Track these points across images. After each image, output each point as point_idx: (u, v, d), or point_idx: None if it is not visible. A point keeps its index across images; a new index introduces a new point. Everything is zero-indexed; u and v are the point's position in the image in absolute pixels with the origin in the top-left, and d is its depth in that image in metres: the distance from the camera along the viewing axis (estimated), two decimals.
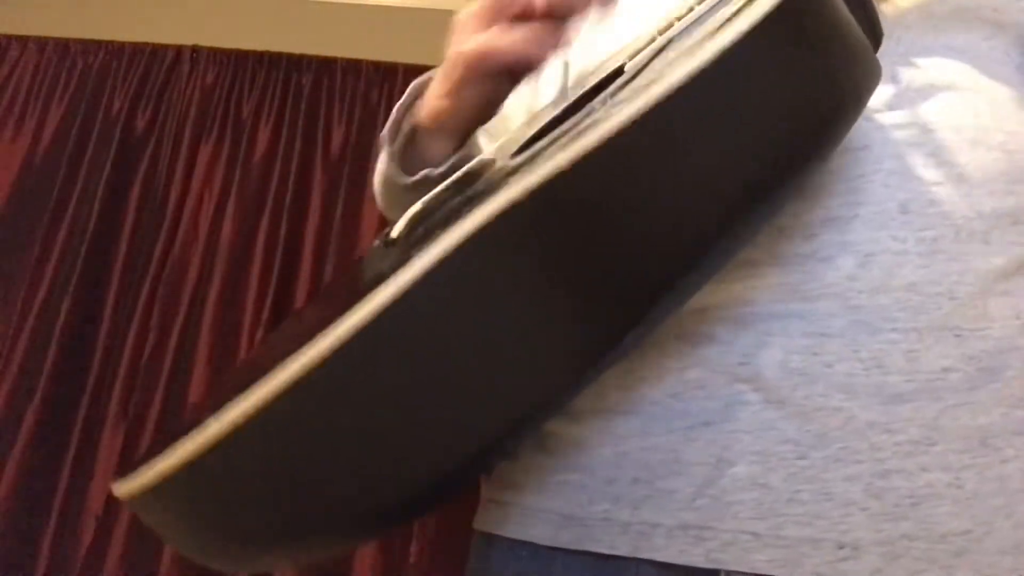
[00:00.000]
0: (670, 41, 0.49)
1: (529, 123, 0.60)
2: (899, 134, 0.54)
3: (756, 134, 0.42)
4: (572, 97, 0.58)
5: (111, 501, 2.30)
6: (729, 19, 0.41)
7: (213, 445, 0.39)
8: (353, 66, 2.60)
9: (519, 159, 0.48)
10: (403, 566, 2.24)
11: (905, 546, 0.50)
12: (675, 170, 0.41)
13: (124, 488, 0.42)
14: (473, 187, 0.53)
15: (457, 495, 0.46)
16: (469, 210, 0.43)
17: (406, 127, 0.67)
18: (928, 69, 0.56)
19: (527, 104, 0.63)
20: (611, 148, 0.40)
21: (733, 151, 0.41)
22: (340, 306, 0.41)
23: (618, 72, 0.53)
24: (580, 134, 0.42)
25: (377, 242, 0.57)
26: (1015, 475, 0.51)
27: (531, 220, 0.41)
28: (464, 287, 0.41)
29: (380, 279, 0.41)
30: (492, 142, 0.61)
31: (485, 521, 0.61)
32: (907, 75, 0.56)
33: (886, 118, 0.54)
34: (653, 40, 0.51)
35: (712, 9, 0.48)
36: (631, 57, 0.53)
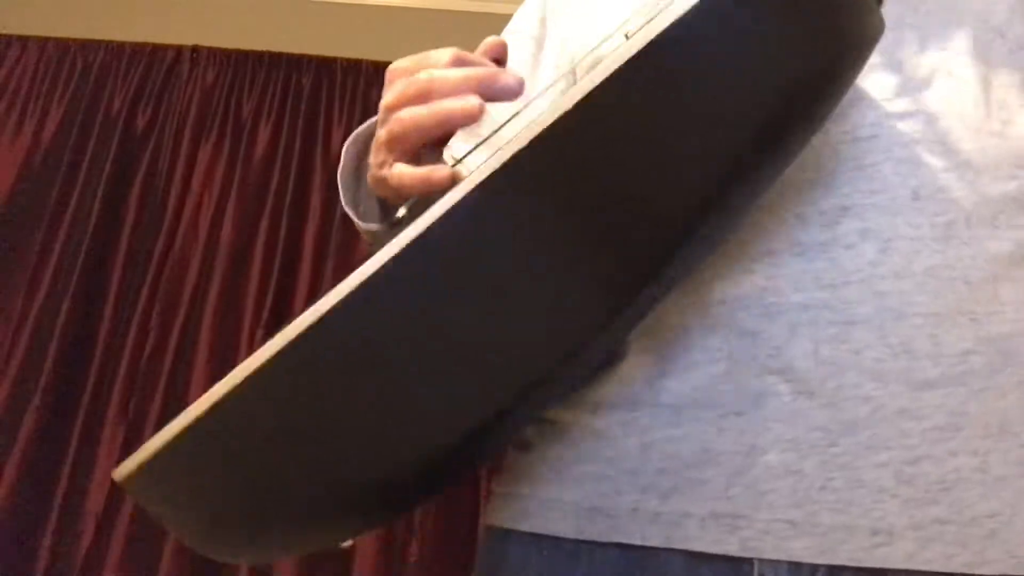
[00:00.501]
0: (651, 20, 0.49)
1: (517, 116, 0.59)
2: (905, 123, 0.54)
3: (757, 74, 0.41)
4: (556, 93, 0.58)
5: (111, 501, 2.29)
6: None
7: (199, 420, 0.38)
8: (353, 66, 2.59)
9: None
10: (403, 566, 2.24)
11: (937, 530, 0.50)
12: (680, 106, 0.40)
13: (120, 471, 0.41)
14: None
15: (461, 476, 0.45)
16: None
17: (368, 200, 0.64)
18: (933, 56, 0.56)
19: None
20: (612, 87, 0.39)
21: (738, 88, 0.40)
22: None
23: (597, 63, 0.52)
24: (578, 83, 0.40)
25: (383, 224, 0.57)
26: None
27: (540, 165, 0.40)
28: (477, 233, 0.40)
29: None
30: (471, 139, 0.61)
31: (499, 515, 0.60)
32: (911, 62, 0.56)
33: (892, 106, 0.55)
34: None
35: None
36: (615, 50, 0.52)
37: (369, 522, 0.46)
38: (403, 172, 0.53)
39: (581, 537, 0.54)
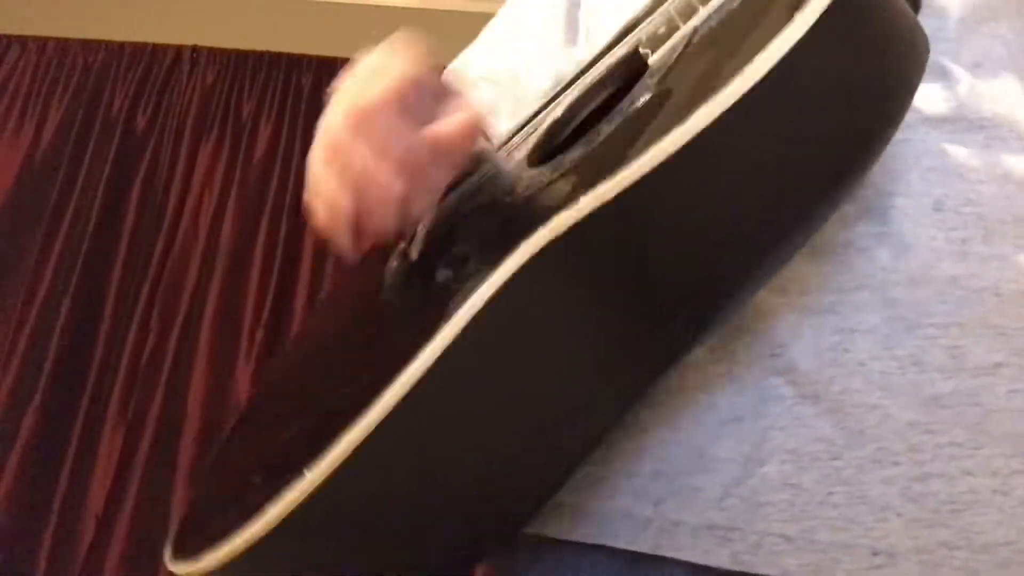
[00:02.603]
0: (695, 32, 0.46)
1: (542, 110, 0.58)
2: (942, 129, 0.52)
3: (811, 150, 0.40)
4: (585, 84, 0.55)
5: (111, 501, 2.29)
6: (769, 16, 0.38)
7: (317, 490, 0.39)
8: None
9: (545, 174, 0.46)
10: None
11: (944, 555, 0.47)
12: (727, 196, 0.39)
13: (189, 569, 0.42)
14: (491, 193, 0.51)
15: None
16: (499, 236, 0.42)
17: None
18: (980, 63, 0.54)
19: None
20: (657, 177, 0.38)
21: (783, 172, 0.39)
22: (380, 362, 0.41)
23: (635, 59, 0.50)
24: (617, 158, 0.39)
25: (394, 261, 0.56)
26: None
27: (573, 252, 0.40)
28: (513, 331, 0.40)
29: (416, 334, 0.40)
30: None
31: None
32: (955, 69, 0.53)
33: (930, 110, 0.52)
34: (672, 24, 0.48)
35: None
36: (650, 42, 0.49)
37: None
38: (346, 247, 0.51)
39: (573, 539, 0.53)
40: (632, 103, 0.45)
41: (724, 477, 0.49)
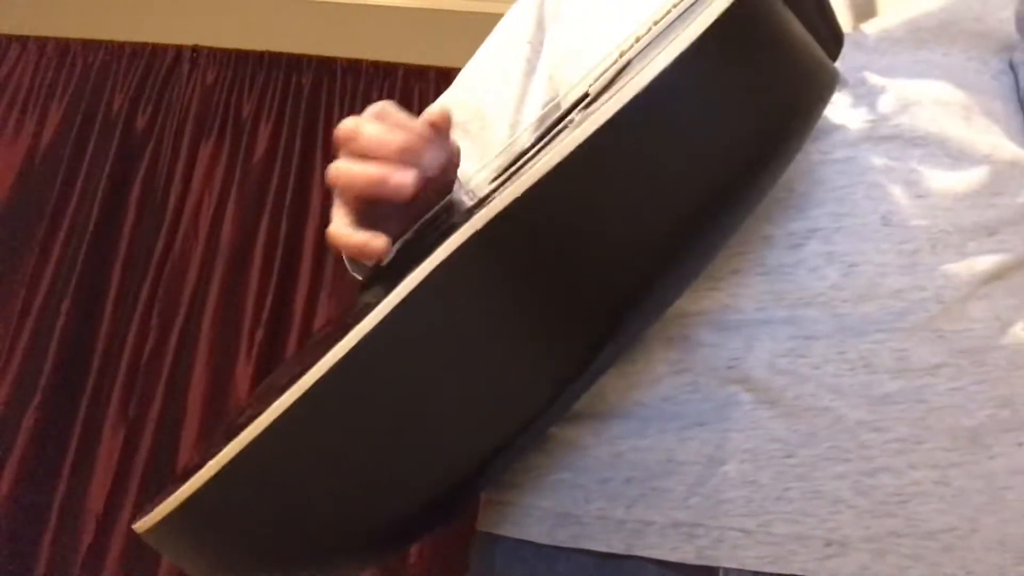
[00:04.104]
0: (628, 63, 0.50)
1: (507, 150, 0.62)
2: (883, 147, 0.55)
3: (697, 158, 0.42)
4: (547, 122, 0.60)
5: (111, 501, 2.29)
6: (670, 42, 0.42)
7: (209, 481, 0.42)
8: (353, 66, 2.59)
9: (490, 188, 0.50)
10: (403, 566, 2.24)
11: (892, 543, 0.51)
12: (620, 194, 0.42)
13: (140, 525, 0.45)
14: (451, 217, 0.55)
15: (448, 520, 0.48)
16: (441, 241, 0.45)
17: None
18: (914, 83, 0.57)
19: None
20: (555, 177, 0.41)
21: (675, 176, 0.42)
22: (328, 344, 0.44)
23: (583, 97, 0.55)
24: (532, 163, 0.43)
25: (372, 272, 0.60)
26: (1000, 472, 0.52)
27: (490, 248, 0.43)
28: (434, 319, 0.43)
29: (360, 315, 0.44)
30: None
31: (487, 521, 0.61)
32: (891, 89, 0.56)
33: (872, 130, 0.55)
34: (615, 61, 0.53)
35: (668, 29, 0.49)
36: (596, 79, 0.54)
37: (374, 559, 0.49)
38: (339, 235, 0.55)
39: (553, 543, 0.56)
40: (562, 128, 0.50)
41: (689, 478, 0.53)
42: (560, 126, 0.51)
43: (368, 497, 0.44)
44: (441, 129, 0.58)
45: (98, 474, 2.32)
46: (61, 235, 2.48)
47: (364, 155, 0.54)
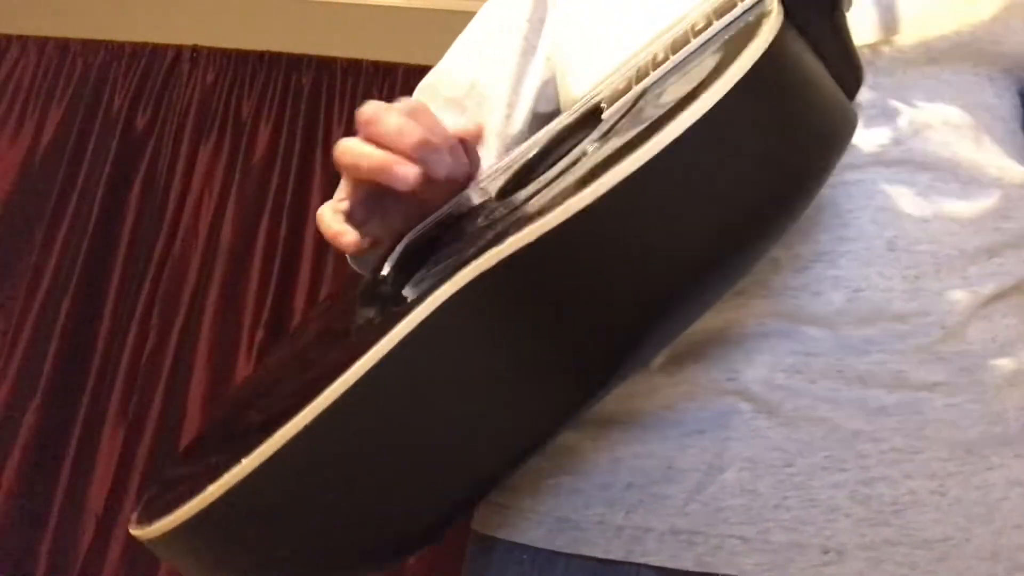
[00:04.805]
0: (645, 92, 0.51)
1: (519, 156, 0.62)
2: (891, 170, 0.54)
3: (712, 214, 0.42)
4: (556, 128, 0.60)
5: (111, 501, 2.30)
6: (693, 92, 0.42)
7: (218, 498, 0.43)
8: (353, 66, 2.59)
9: (499, 211, 0.51)
10: (403, 566, 2.24)
11: (888, 551, 0.51)
12: (637, 245, 0.42)
13: (142, 533, 0.46)
14: (458, 222, 0.56)
15: (445, 533, 0.49)
16: (454, 256, 0.45)
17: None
18: (925, 106, 0.56)
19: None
20: (569, 228, 0.41)
21: (692, 227, 0.42)
22: (331, 364, 0.45)
23: (596, 112, 0.55)
24: (543, 205, 0.43)
25: (369, 276, 0.60)
26: (998, 483, 0.53)
27: (497, 289, 0.43)
28: (439, 352, 0.44)
29: (360, 345, 0.44)
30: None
31: (483, 523, 0.61)
32: (903, 112, 0.56)
33: (882, 154, 0.55)
34: (629, 83, 0.53)
35: (688, 60, 0.49)
36: (609, 99, 0.54)
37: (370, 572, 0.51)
38: (321, 217, 0.58)
39: (551, 547, 0.56)
40: (577, 153, 0.50)
41: (688, 485, 0.53)
42: (571, 156, 0.51)
43: (362, 527, 0.46)
44: (469, 143, 0.58)
45: (98, 474, 2.32)
46: (61, 235, 2.48)
47: (379, 142, 0.53)
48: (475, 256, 0.44)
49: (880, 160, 0.54)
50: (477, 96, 0.74)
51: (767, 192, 0.43)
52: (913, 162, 0.55)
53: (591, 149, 0.49)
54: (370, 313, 0.54)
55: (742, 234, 0.43)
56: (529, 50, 0.73)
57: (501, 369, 0.44)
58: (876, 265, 0.53)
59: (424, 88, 0.79)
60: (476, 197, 0.60)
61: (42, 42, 2.64)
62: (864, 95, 0.55)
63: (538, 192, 0.49)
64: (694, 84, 0.42)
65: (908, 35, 0.57)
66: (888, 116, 0.56)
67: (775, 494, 0.52)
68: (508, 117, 0.72)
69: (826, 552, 0.51)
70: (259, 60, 2.62)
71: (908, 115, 0.56)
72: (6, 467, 2.30)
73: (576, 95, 0.65)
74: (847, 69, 0.49)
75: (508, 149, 0.70)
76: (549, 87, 0.72)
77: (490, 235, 0.45)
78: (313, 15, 2.67)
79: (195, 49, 2.63)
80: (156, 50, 2.62)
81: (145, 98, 2.60)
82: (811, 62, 0.46)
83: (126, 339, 2.41)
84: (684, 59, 0.49)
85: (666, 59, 0.50)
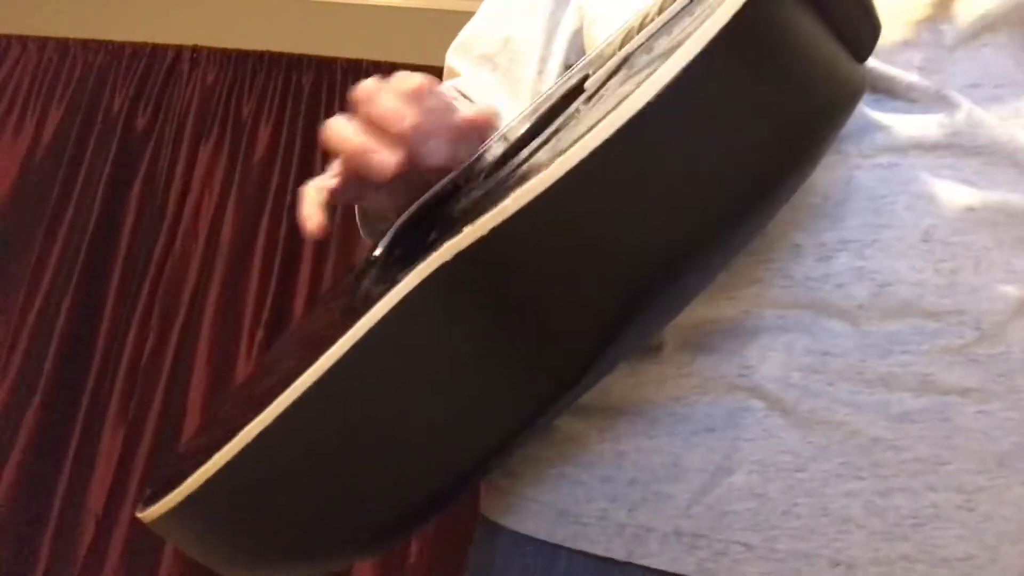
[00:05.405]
0: (626, 59, 0.48)
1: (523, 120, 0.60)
2: (934, 155, 0.50)
3: (689, 191, 0.39)
4: (547, 102, 0.57)
5: (111, 501, 2.30)
6: (668, 51, 0.39)
7: (216, 472, 0.44)
8: (353, 66, 2.59)
9: (475, 193, 0.49)
10: (403, 566, 2.24)
11: (903, 568, 0.48)
12: (602, 230, 0.39)
13: (146, 514, 0.47)
14: (442, 203, 0.55)
15: (436, 514, 0.49)
16: (432, 240, 0.44)
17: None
18: (977, 81, 0.52)
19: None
20: (534, 209, 0.39)
21: (664, 210, 0.39)
22: (319, 345, 0.45)
23: (578, 89, 0.52)
24: (513, 183, 0.41)
25: (365, 257, 0.59)
26: None
27: (459, 277, 0.42)
28: (407, 339, 0.43)
29: (344, 323, 0.44)
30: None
31: (488, 506, 0.60)
32: (953, 93, 0.51)
33: (921, 138, 0.50)
34: (612, 47, 0.50)
35: (668, 24, 0.46)
36: (597, 63, 0.51)
37: (372, 551, 0.51)
38: (302, 192, 0.55)
39: (553, 540, 0.54)
40: (553, 129, 0.47)
41: (693, 485, 0.50)
42: (560, 119, 0.49)
43: (358, 501, 0.46)
44: (481, 130, 0.54)
45: (98, 474, 2.32)
46: (61, 235, 2.48)
47: (372, 123, 0.50)
48: (443, 242, 0.42)
49: (923, 143, 0.50)
50: (510, 52, 0.71)
51: (743, 167, 0.39)
52: (961, 146, 0.50)
53: (565, 122, 0.47)
54: (346, 301, 0.54)
55: (716, 222, 0.40)
56: (562, 1, 0.70)
57: (471, 358, 0.43)
58: (908, 257, 0.48)
59: (457, 47, 0.76)
60: (499, 147, 0.56)
61: (42, 42, 2.64)
62: (910, 75, 0.51)
63: (514, 170, 0.46)
64: (668, 48, 0.39)
65: (965, 9, 0.52)
66: (936, 100, 0.51)
67: (784, 500, 0.49)
68: (541, 72, 0.69)
69: (835, 565, 0.48)
70: (259, 60, 2.62)
71: (959, 98, 0.51)
72: (6, 467, 2.30)
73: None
74: (861, 23, 0.44)
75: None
76: (579, 37, 0.68)
77: (465, 219, 0.44)
78: (313, 15, 2.67)
79: (195, 49, 2.62)
80: (156, 50, 2.62)
81: (145, 98, 2.59)
82: (804, 20, 0.41)
83: (126, 339, 2.41)
84: (669, 20, 0.46)
85: (651, 20, 0.47)
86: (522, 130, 0.57)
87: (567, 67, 0.69)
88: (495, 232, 0.39)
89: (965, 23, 0.52)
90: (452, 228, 0.43)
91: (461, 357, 0.43)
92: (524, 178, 0.40)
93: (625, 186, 0.38)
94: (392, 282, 0.44)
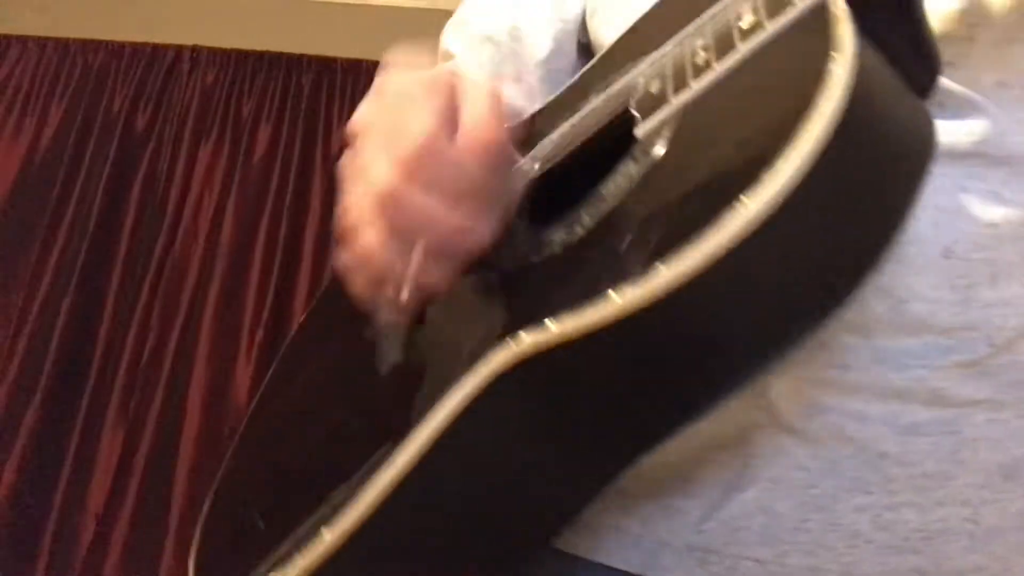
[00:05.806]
0: (684, 113, 0.43)
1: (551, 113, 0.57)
2: (962, 164, 0.48)
3: (802, 288, 0.38)
4: (583, 122, 0.53)
5: (111, 501, 2.29)
6: (762, 137, 0.36)
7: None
8: (353, 66, 2.59)
9: (534, 251, 0.47)
10: None
11: None
12: (700, 339, 0.38)
13: None
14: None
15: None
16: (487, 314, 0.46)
17: None
18: (1004, 80, 0.50)
19: None
20: (623, 325, 0.37)
21: (766, 321, 0.38)
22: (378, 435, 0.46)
23: (624, 121, 0.47)
24: (591, 279, 0.40)
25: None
26: None
27: (528, 377, 0.42)
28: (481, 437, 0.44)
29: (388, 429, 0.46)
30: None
31: None
32: (979, 97, 0.49)
33: (952, 146, 0.48)
34: (662, 89, 0.45)
35: (737, 72, 0.42)
36: (640, 104, 0.46)
37: None
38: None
39: (573, 551, 0.54)
40: (616, 192, 0.44)
41: (705, 501, 0.50)
42: (608, 192, 0.45)
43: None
44: (498, 158, 0.48)
45: (98, 474, 2.32)
46: (61, 235, 2.48)
47: (401, 225, 0.45)
48: (519, 326, 0.41)
49: (951, 152, 0.47)
50: (513, 31, 0.68)
51: (857, 257, 0.38)
52: (987, 155, 0.49)
53: (630, 188, 0.44)
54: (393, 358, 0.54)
55: (815, 324, 0.38)
56: None
57: (549, 447, 0.44)
58: (926, 275, 0.47)
59: (455, 24, 0.73)
60: (531, 165, 0.53)
61: (42, 42, 2.63)
62: (940, 77, 0.48)
63: (575, 244, 0.44)
64: (753, 130, 0.37)
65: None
66: (962, 105, 0.49)
67: (795, 516, 0.49)
68: (553, 51, 0.66)
69: None
70: (259, 60, 2.61)
71: (985, 102, 0.49)
72: (6, 467, 2.30)
73: (604, 39, 0.59)
74: (918, 60, 0.41)
75: (555, 83, 0.62)
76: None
77: (531, 296, 0.44)
78: (313, 15, 2.67)
79: (195, 49, 2.62)
80: (156, 50, 2.62)
81: (145, 98, 2.59)
82: (887, 74, 0.39)
83: (126, 339, 2.41)
84: (731, 70, 0.41)
85: (707, 65, 0.42)
86: (554, 147, 0.53)
87: (580, 44, 0.66)
88: (588, 333, 0.38)
89: (997, 18, 0.50)
90: (503, 313, 0.45)
91: (542, 446, 0.44)
92: (609, 269, 0.39)
93: (730, 302, 0.37)
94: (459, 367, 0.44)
